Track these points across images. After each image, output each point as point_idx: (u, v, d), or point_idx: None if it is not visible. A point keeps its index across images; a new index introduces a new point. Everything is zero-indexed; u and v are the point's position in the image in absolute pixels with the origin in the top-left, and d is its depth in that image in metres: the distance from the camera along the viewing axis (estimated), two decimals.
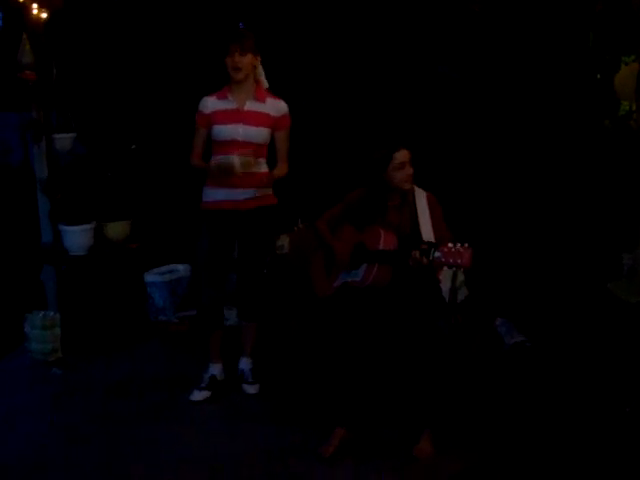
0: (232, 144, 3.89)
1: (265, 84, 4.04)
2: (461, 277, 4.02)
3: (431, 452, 3.42)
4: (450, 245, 3.26)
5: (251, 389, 4.16)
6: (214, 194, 3.98)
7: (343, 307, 3.65)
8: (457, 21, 5.00)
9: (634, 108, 4.24)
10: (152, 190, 5.38)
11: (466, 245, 3.24)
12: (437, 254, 3.30)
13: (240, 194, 3.93)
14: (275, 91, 4.04)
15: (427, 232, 3.56)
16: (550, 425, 3.62)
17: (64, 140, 4.85)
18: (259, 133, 3.93)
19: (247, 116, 3.92)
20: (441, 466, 3.36)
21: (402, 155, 3.60)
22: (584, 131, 4.62)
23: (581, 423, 3.62)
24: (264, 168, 4.01)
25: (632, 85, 4.08)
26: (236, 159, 3.78)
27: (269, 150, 4.04)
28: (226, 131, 3.91)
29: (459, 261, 3.25)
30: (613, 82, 4.24)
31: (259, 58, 3.95)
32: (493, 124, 4.97)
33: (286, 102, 4.03)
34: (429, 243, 3.41)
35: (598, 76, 4.42)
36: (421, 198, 3.70)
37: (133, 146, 5.28)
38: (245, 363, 4.24)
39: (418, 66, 5.14)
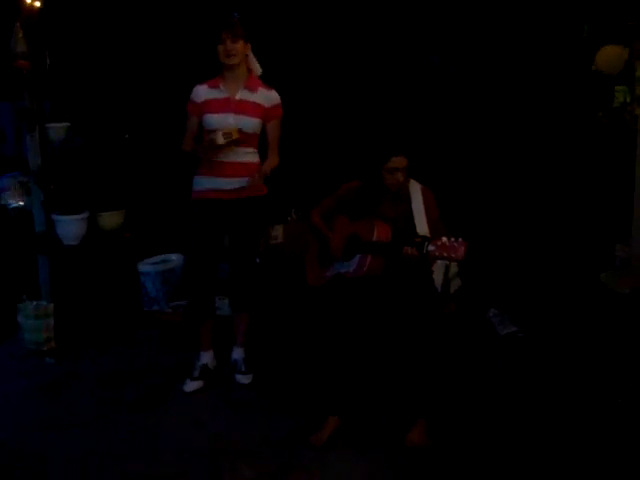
0: None
1: (258, 70, 4.03)
2: (454, 268, 4.02)
3: (423, 441, 3.44)
4: (444, 239, 3.26)
5: (244, 379, 4.17)
6: (204, 183, 3.98)
7: (336, 297, 3.65)
8: (450, 12, 4.99)
9: (628, 100, 4.24)
10: (145, 180, 5.37)
11: (460, 239, 3.24)
12: (431, 247, 3.30)
13: (230, 183, 3.93)
14: (268, 81, 4.03)
15: (421, 225, 3.57)
16: (542, 415, 3.64)
17: (58, 130, 4.83)
18: (249, 123, 3.92)
19: (238, 105, 3.91)
20: (433, 455, 3.37)
21: (397, 161, 3.59)
22: (577, 123, 4.62)
23: (573, 414, 3.64)
24: (255, 158, 4.01)
25: (616, 62, 4.12)
26: (219, 132, 3.78)
27: (261, 141, 4.04)
28: (216, 120, 3.90)
29: (453, 255, 3.25)
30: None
31: (249, 46, 3.94)
32: (486, 116, 4.97)
33: (279, 92, 4.03)
34: (423, 237, 3.42)
35: (592, 68, 4.41)
36: (416, 191, 3.70)
37: (126, 136, 5.27)
38: (238, 353, 4.25)
39: (411, 56, 5.13)
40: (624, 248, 4.23)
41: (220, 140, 3.77)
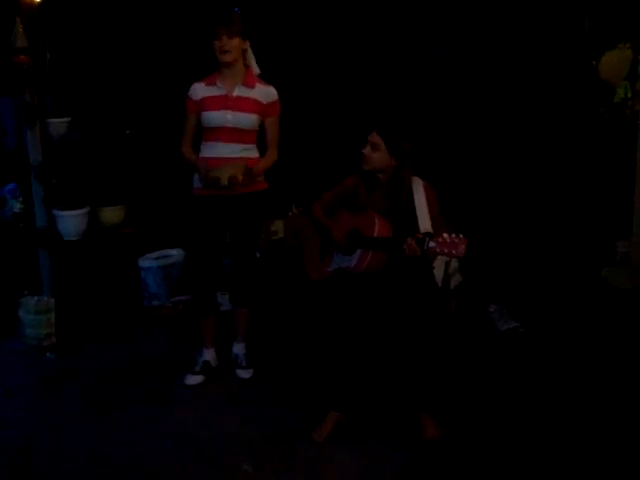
0: (221, 130, 3.89)
1: (256, 70, 4.02)
2: (455, 264, 4.03)
3: (440, 432, 3.45)
4: (445, 235, 3.26)
5: (245, 374, 4.17)
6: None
7: (337, 292, 3.65)
8: (453, 7, 4.98)
9: (629, 95, 4.24)
10: (146, 175, 5.37)
11: (461, 236, 3.24)
12: (432, 244, 3.30)
13: None
14: (268, 77, 4.02)
15: (424, 222, 3.55)
16: (543, 411, 3.64)
17: (58, 125, 4.83)
18: (248, 119, 3.92)
19: (236, 102, 3.90)
20: (434, 450, 3.37)
21: (370, 136, 3.62)
22: (579, 118, 4.62)
23: (574, 410, 3.64)
24: (254, 154, 4.00)
25: (620, 69, 4.10)
26: (224, 173, 3.76)
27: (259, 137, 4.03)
28: (215, 117, 3.90)
29: (454, 251, 3.24)
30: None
31: (248, 43, 3.93)
32: (487, 111, 4.97)
33: (279, 87, 4.01)
34: (424, 233, 3.41)
35: (593, 63, 4.41)
36: (418, 187, 3.69)
37: (127, 131, 5.27)
38: (239, 348, 4.26)
39: (414, 50, 5.12)
40: (625, 244, 4.24)
41: (224, 182, 3.77)
